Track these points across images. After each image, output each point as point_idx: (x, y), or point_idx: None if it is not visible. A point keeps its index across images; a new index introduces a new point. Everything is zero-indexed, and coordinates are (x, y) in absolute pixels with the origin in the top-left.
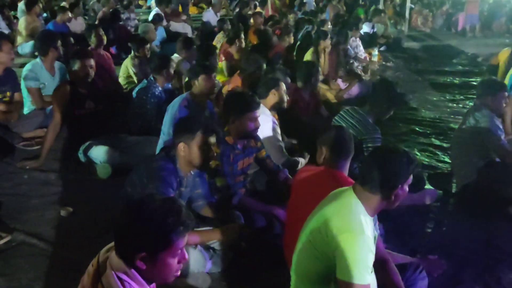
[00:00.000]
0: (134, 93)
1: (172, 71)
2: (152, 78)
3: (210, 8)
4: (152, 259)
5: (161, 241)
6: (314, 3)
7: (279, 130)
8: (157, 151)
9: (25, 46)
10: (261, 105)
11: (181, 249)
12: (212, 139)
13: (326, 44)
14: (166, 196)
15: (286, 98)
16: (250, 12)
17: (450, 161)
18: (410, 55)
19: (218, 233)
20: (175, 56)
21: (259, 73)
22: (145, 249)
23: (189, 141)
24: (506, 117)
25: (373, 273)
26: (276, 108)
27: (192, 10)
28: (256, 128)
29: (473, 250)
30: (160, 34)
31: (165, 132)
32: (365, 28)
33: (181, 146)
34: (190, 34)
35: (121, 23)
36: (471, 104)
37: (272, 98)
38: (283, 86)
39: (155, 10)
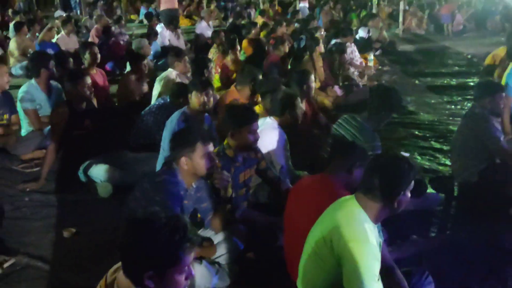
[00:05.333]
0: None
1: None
2: (167, 100)
3: (202, 20)
4: (160, 277)
5: (169, 258)
6: (307, 10)
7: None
8: (158, 167)
9: (18, 67)
10: (270, 119)
11: (188, 265)
12: (211, 148)
13: (320, 51)
14: (173, 209)
15: (300, 115)
16: (243, 22)
17: (450, 164)
18: (406, 58)
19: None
20: (169, 71)
21: (254, 84)
22: (153, 267)
23: (190, 153)
24: (504, 118)
25: (380, 280)
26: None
27: (185, 23)
28: (256, 140)
29: (479, 254)
30: (154, 48)
31: (165, 148)
32: (361, 33)
33: (183, 160)
34: (183, 47)
35: (113, 39)
36: (470, 105)
37: (285, 119)
38: (299, 104)
39: (160, 26)
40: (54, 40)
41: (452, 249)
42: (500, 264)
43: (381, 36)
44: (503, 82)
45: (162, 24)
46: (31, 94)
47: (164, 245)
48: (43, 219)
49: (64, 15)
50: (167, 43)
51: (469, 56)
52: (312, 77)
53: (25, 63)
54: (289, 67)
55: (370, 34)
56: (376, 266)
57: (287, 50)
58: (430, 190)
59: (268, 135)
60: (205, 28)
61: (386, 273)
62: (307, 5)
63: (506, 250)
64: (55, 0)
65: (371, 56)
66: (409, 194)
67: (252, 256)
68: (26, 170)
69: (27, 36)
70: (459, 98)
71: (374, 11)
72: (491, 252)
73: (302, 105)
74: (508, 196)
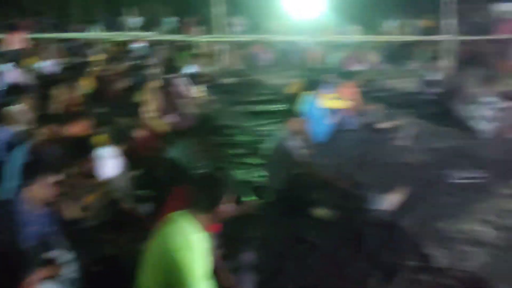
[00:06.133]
0: None
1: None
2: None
3: (49, 58)
4: None
5: (15, 281)
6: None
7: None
8: (3, 197)
9: None
10: (111, 148)
11: (32, 285)
12: (58, 176)
13: (156, 84)
14: (20, 236)
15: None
16: (87, 60)
17: (266, 175)
18: (227, 89)
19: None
20: (16, 105)
21: (96, 116)
22: None
23: (38, 182)
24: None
25: (209, 280)
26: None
27: (32, 61)
28: (96, 167)
29: (289, 245)
30: (1, 86)
31: (10, 178)
32: (191, 69)
33: (32, 188)
34: (30, 83)
35: None
36: (277, 127)
37: (124, 146)
38: (134, 133)
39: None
40: None
41: (268, 243)
42: (305, 252)
43: (208, 72)
44: (299, 107)
45: (9, 64)
46: None
47: (11, 270)
48: None
49: None
50: (14, 80)
51: (274, 87)
52: (149, 107)
53: None
54: (128, 99)
55: (199, 70)
56: (201, 269)
57: (127, 84)
58: (250, 197)
59: (110, 161)
60: (51, 66)
61: (215, 272)
62: (146, 44)
63: (308, 242)
64: None
65: (200, 89)
66: (228, 204)
67: (96, 269)
68: None
69: None
70: (269, 121)
71: (202, 51)
72: (297, 244)
73: (141, 133)
74: (308, 199)
